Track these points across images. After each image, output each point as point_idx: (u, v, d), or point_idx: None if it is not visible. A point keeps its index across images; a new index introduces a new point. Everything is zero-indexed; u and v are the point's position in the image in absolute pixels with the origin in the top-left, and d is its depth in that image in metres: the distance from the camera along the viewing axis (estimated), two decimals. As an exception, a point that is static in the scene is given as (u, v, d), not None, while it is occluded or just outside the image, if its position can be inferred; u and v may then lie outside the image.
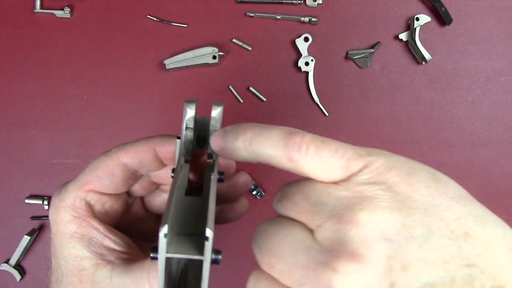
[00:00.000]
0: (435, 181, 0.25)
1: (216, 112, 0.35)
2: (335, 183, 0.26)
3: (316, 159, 0.27)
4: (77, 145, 0.64)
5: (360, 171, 0.26)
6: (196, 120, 0.34)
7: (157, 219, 0.43)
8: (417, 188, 0.25)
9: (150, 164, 0.37)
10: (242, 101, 0.64)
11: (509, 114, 0.64)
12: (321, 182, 0.27)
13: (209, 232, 0.25)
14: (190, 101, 0.34)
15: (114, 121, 0.64)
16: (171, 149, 0.36)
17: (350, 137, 0.64)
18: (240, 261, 0.65)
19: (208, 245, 0.26)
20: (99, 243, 0.36)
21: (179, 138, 0.35)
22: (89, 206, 0.37)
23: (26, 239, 0.63)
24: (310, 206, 0.26)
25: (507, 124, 0.64)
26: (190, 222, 0.30)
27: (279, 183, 0.68)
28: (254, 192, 0.63)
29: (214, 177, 0.32)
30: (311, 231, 0.25)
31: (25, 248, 0.63)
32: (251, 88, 0.64)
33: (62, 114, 0.64)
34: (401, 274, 0.22)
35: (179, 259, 0.28)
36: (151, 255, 0.28)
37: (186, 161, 0.34)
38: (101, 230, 0.36)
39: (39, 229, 0.64)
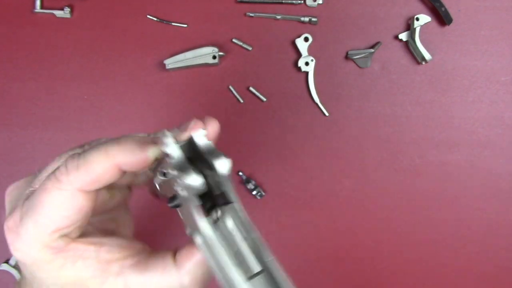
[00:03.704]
0: None
1: (226, 169, 0.28)
2: None
3: None
4: (77, 145, 0.64)
5: None
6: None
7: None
8: None
9: (113, 180, 0.31)
10: (242, 101, 0.64)
11: (509, 114, 0.64)
12: None
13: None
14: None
15: (114, 121, 0.64)
16: (139, 159, 0.30)
17: (350, 137, 0.64)
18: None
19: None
20: (96, 259, 0.32)
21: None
22: (66, 236, 0.31)
23: (26, 239, 0.62)
24: None
25: (507, 124, 0.64)
26: None
27: (279, 183, 0.68)
28: (254, 192, 0.63)
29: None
30: None
31: (25, 248, 0.63)
32: (251, 88, 0.64)
33: (62, 114, 0.64)
34: None
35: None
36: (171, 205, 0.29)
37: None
38: (92, 248, 0.32)
39: (39, 229, 0.64)
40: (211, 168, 0.29)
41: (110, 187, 0.34)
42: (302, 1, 0.64)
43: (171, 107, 0.64)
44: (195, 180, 0.28)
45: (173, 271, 0.32)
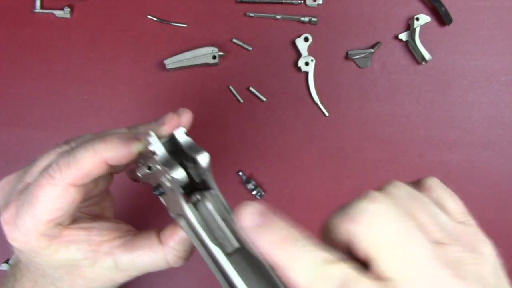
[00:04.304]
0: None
1: (204, 162, 0.32)
2: None
3: None
4: (77, 145, 0.64)
5: None
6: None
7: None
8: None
9: (101, 174, 0.34)
10: (242, 101, 0.64)
11: (509, 114, 0.64)
12: None
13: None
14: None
15: (114, 121, 0.64)
16: (125, 154, 0.33)
17: (350, 137, 0.64)
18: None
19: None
20: (87, 242, 0.35)
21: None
22: (60, 224, 0.35)
23: (26, 239, 0.62)
24: None
25: (507, 124, 0.64)
26: None
27: (279, 183, 0.67)
28: (254, 192, 0.63)
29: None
30: None
31: (25, 248, 0.63)
32: (251, 88, 0.64)
33: (62, 114, 0.64)
34: None
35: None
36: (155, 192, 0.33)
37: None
38: (83, 233, 0.35)
39: (39, 229, 0.64)
40: (193, 161, 0.32)
41: None
42: (302, 1, 0.64)
43: (171, 107, 0.64)
44: (179, 174, 0.31)
45: (158, 248, 0.35)
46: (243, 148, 0.64)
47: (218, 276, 0.32)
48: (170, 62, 0.63)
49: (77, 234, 0.35)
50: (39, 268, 0.36)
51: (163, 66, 0.63)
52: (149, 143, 0.32)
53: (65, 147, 0.36)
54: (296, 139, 0.64)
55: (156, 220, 0.59)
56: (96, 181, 0.37)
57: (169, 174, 0.31)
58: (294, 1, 0.64)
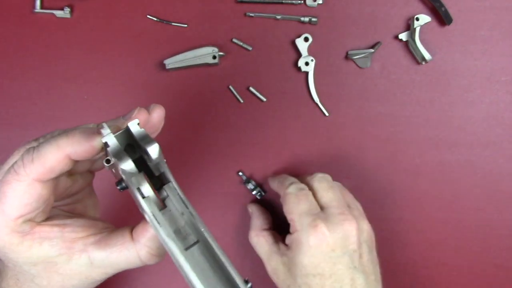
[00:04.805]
0: None
1: (155, 153, 0.32)
2: None
3: None
4: (77, 145, 0.64)
5: None
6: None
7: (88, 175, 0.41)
8: None
9: (66, 169, 0.34)
10: (242, 101, 0.64)
11: (509, 114, 0.64)
12: None
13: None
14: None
15: (114, 121, 0.64)
16: (87, 148, 0.34)
17: (350, 137, 0.64)
18: (242, 262, 0.65)
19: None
20: (61, 239, 0.35)
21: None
22: (31, 220, 0.35)
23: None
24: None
25: (507, 124, 0.64)
26: None
27: (279, 183, 0.66)
28: (254, 192, 0.63)
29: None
30: None
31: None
32: (251, 88, 0.64)
33: (62, 114, 0.64)
34: None
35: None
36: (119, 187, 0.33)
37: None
38: (56, 230, 0.36)
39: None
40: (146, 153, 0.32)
41: (70, 174, 0.38)
42: (302, 1, 0.64)
43: (171, 107, 0.64)
44: (127, 165, 0.31)
45: (130, 245, 0.36)
46: (243, 148, 0.64)
47: (180, 270, 0.32)
48: (170, 62, 0.63)
49: (50, 230, 0.35)
50: (16, 265, 0.36)
51: (163, 66, 0.63)
52: (102, 135, 0.32)
53: (34, 143, 0.37)
54: (296, 139, 0.64)
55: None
56: (73, 178, 0.38)
57: (118, 165, 0.31)
58: (294, 1, 0.64)
